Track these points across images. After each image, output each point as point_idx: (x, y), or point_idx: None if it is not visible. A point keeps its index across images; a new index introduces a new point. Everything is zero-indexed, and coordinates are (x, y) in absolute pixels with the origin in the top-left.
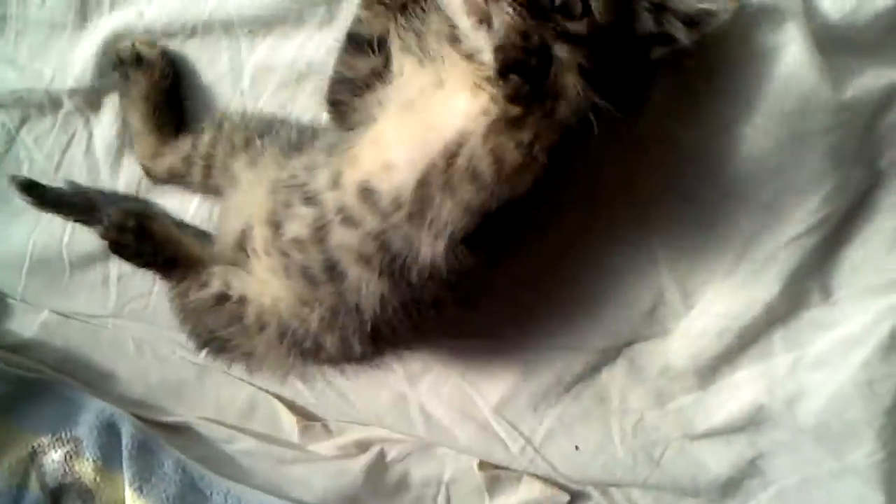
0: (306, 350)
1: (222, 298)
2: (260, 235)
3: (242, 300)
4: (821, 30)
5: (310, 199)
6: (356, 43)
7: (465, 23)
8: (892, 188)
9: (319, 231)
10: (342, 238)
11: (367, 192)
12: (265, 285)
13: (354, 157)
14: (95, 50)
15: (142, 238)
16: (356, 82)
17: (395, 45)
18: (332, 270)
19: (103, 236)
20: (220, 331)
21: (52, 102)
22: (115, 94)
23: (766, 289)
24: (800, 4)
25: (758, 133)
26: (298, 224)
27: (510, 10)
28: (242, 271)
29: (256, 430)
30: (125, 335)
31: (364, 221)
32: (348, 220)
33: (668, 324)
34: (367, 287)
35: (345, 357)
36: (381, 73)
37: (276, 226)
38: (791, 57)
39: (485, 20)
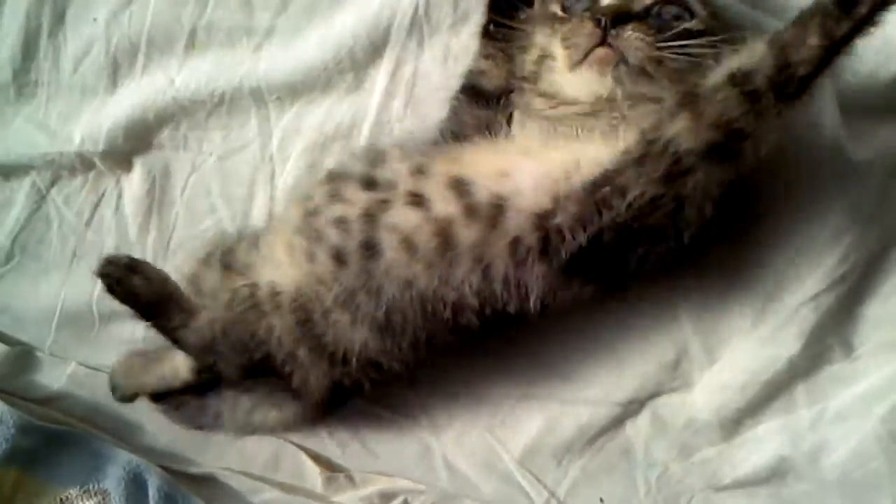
0: (317, 333)
1: (232, 301)
2: (286, 238)
3: (254, 285)
4: (841, 90)
5: (371, 184)
6: (474, 96)
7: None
8: None
9: (374, 207)
10: (399, 217)
11: (460, 183)
12: (279, 266)
13: (454, 157)
14: (126, 114)
15: (133, 272)
16: (466, 128)
17: (518, 104)
18: (370, 250)
19: (98, 273)
20: (249, 343)
21: (83, 163)
22: (145, 155)
23: (789, 344)
24: None
25: (777, 191)
26: (345, 207)
27: (638, 34)
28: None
29: (281, 481)
30: None
31: (435, 205)
32: (417, 202)
33: (691, 377)
34: (398, 270)
35: (347, 342)
36: (494, 124)
37: (311, 214)
38: (810, 117)
39: (620, 60)
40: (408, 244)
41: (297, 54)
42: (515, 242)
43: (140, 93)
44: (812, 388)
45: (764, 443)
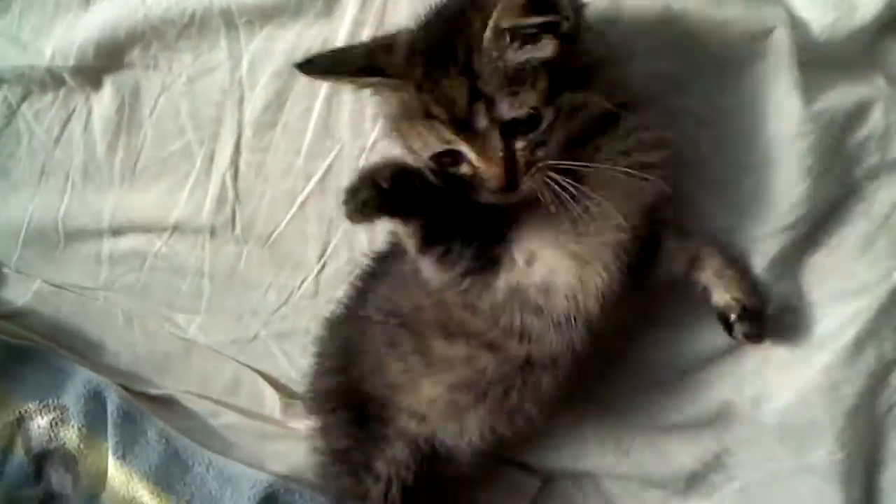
0: None
1: None
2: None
3: None
4: (801, 42)
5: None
6: None
7: None
8: (862, 199)
9: None
10: None
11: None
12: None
13: None
14: (98, 31)
15: None
16: None
17: None
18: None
19: None
20: None
21: (54, 79)
22: (115, 74)
23: None
24: (786, 16)
25: (733, 131)
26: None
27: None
28: None
29: (240, 406)
30: (115, 308)
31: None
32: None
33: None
34: None
35: None
36: None
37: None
38: (768, 65)
39: None
40: None
41: None
42: None
43: (112, 10)
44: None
45: (709, 386)
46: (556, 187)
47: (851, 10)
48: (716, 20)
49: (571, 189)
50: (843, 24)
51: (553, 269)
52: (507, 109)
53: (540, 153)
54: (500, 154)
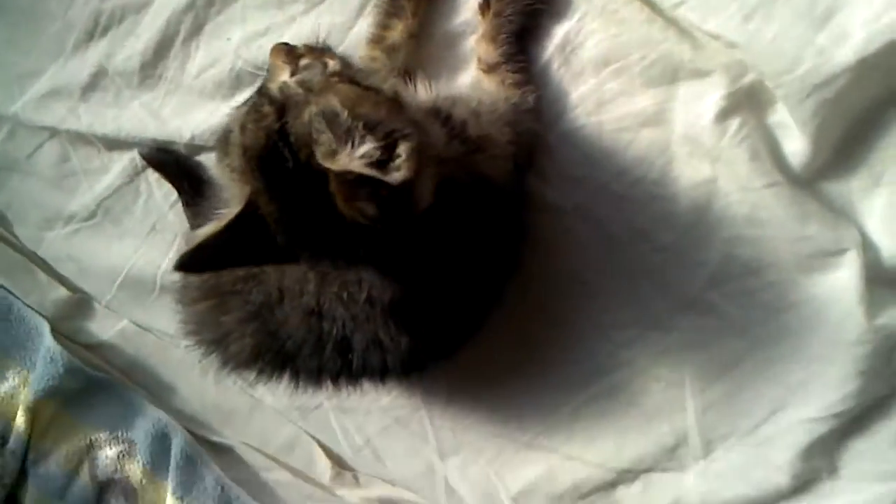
0: None
1: None
2: None
3: None
4: (872, 262)
5: None
6: None
7: None
8: None
9: None
10: None
11: None
12: None
13: None
14: None
15: None
16: None
17: None
18: None
19: None
20: None
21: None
22: None
23: (780, 455)
24: (859, 238)
25: (797, 323)
26: None
27: None
28: None
29: (293, 466)
30: (193, 357)
31: None
32: None
33: (685, 461)
34: None
35: None
36: None
37: None
38: (838, 278)
39: None
40: None
41: None
42: None
43: None
44: (795, 498)
45: None
46: None
47: None
48: (796, 233)
49: None
50: None
51: None
52: None
53: None
54: None
